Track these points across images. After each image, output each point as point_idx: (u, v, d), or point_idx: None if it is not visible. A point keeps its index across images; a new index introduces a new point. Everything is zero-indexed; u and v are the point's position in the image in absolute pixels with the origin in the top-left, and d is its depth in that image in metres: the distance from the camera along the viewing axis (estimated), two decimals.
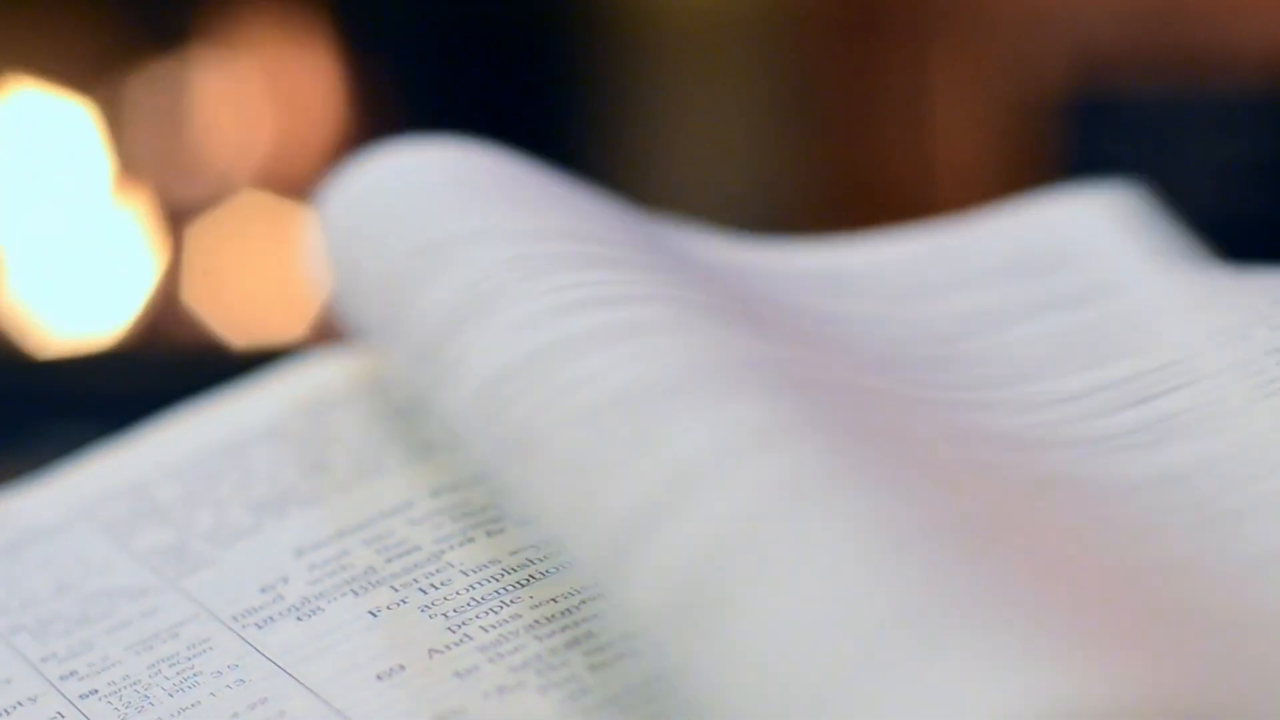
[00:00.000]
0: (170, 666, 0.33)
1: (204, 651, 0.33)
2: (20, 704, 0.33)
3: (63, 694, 0.33)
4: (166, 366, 1.52)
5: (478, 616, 0.32)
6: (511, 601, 0.32)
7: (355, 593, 0.34)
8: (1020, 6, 1.61)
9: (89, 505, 0.40)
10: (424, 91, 1.65)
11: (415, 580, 0.33)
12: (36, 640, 0.35)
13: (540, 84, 1.68)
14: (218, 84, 1.60)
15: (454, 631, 0.31)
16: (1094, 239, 0.40)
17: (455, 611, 0.32)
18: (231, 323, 1.58)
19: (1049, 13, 1.60)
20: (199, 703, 0.32)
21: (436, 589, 0.33)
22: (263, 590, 0.35)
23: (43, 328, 1.56)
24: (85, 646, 0.34)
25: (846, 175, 1.68)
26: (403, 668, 0.31)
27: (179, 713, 0.32)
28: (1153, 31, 1.58)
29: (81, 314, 1.57)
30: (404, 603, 0.33)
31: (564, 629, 0.30)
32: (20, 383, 1.54)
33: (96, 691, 0.33)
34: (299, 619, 0.33)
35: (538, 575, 0.32)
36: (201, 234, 1.58)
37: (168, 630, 0.34)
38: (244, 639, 0.33)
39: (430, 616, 0.32)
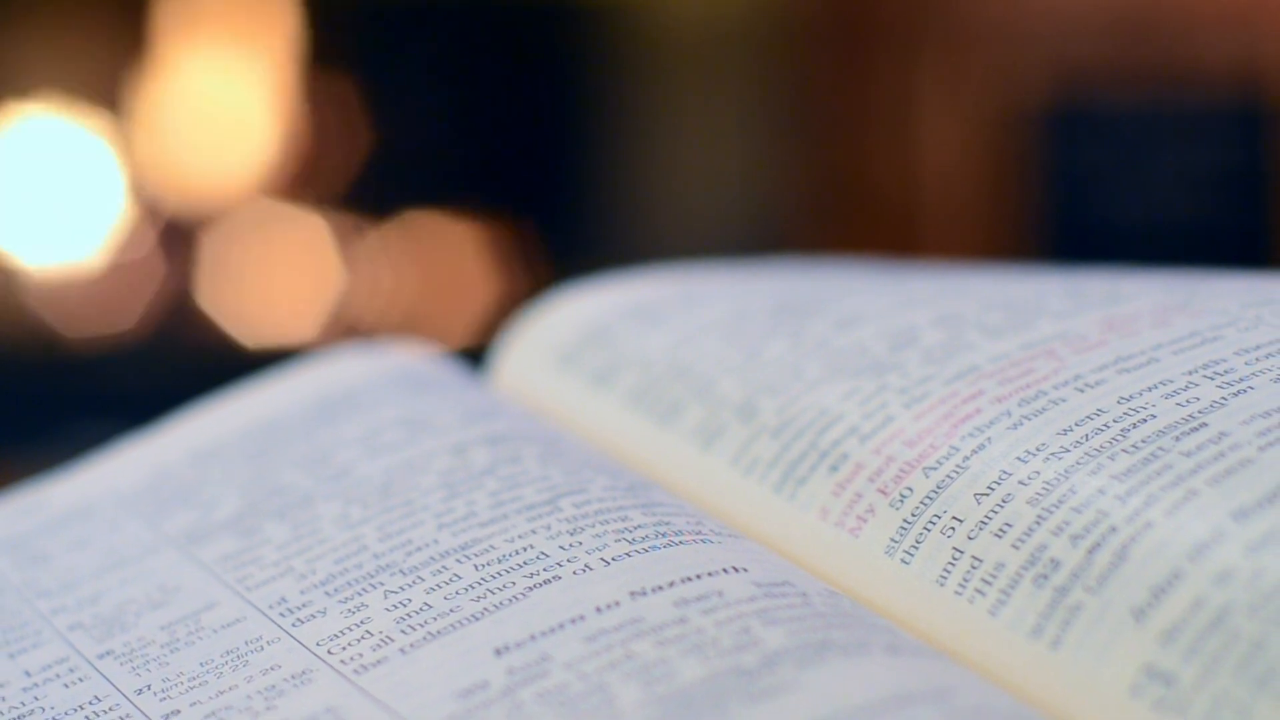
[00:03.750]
0: (186, 630, 0.34)
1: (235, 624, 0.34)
2: (50, 665, 0.34)
3: (82, 654, 0.34)
4: (183, 365, 1.53)
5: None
6: None
7: (370, 575, 0.34)
8: (1002, 22, 1.61)
9: (121, 490, 0.40)
10: (430, 101, 1.65)
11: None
12: (71, 614, 0.36)
13: (540, 94, 1.68)
14: (238, 94, 1.60)
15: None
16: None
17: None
18: (245, 323, 1.59)
19: (1030, 28, 1.60)
20: (211, 661, 0.33)
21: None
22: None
23: (63, 328, 1.56)
24: (118, 623, 0.35)
25: (835, 182, 1.68)
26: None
27: (195, 673, 0.33)
28: (1128, 47, 1.58)
29: (98, 315, 1.57)
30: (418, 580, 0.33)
31: None
32: (46, 382, 1.54)
33: (111, 652, 0.34)
34: (328, 595, 0.34)
35: None
36: (216, 239, 1.59)
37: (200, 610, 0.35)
38: (281, 628, 0.34)
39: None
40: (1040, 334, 0.37)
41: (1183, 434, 0.32)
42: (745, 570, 0.32)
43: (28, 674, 0.34)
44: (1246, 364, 0.34)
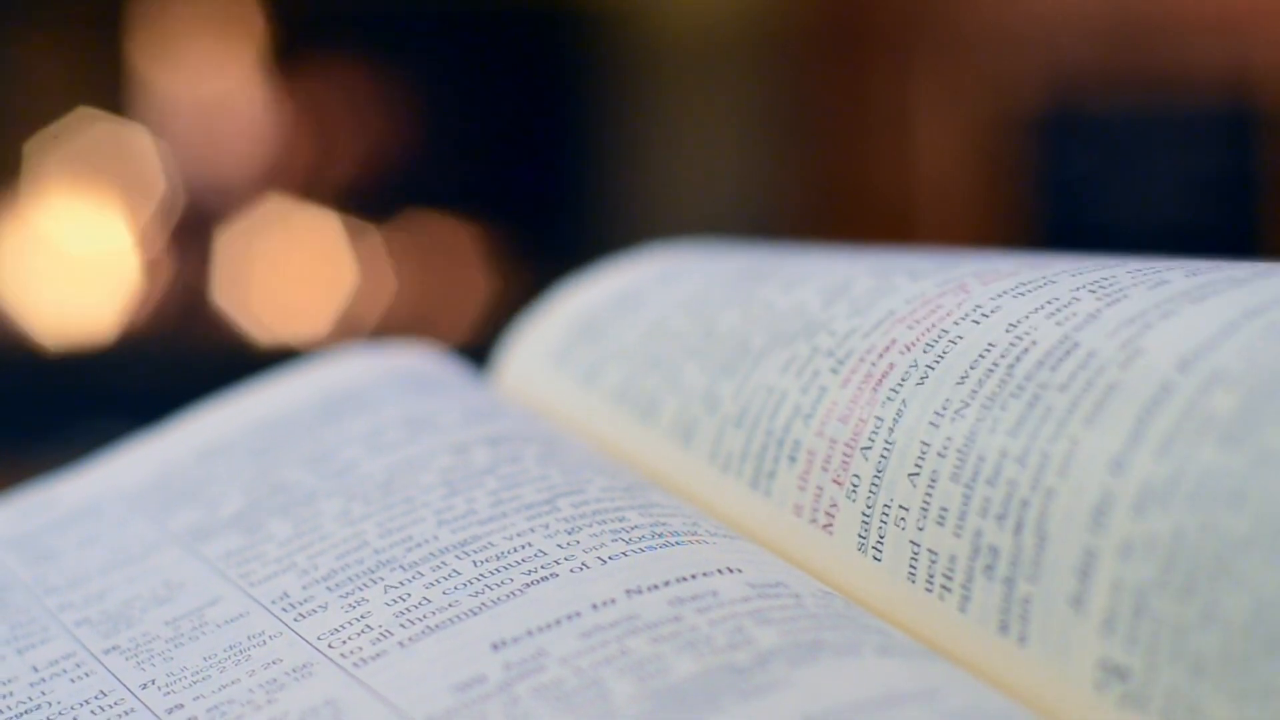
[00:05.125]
0: (190, 625, 0.34)
1: (239, 618, 0.34)
2: (57, 661, 0.34)
3: (88, 649, 0.34)
4: (192, 364, 1.53)
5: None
6: None
7: (371, 570, 0.34)
8: (997, 27, 1.61)
9: (128, 488, 0.40)
10: (436, 101, 1.65)
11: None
12: (77, 609, 0.36)
13: (542, 99, 1.68)
14: (248, 97, 1.60)
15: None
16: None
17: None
18: (258, 321, 1.59)
19: (1024, 34, 1.60)
20: (215, 655, 0.33)
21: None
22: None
23: (77, 327, 1.56)
24: (123, 618, 0.35)
25: (832, 185, 1.68)
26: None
27: (198, 667, 0.33)
28: (1121, 52, 1.58)
29: (113, 314, 1.57)
30: (417, 576, 0.33)
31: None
32: (55, 381, 1.54)
33: (117, 647, 0.34)
34: (330, 590, 0.34)
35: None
36: (230, 238, 1.59)
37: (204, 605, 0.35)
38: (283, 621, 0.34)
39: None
40: (959, 272, 0.36)
41: (1058, 360, 0.31)
42: (739, 571, 0.32)
43: (35, 669, 0.34)
44: (1132, 278, 0.33)
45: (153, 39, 1.58)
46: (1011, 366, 0.32)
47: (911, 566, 0.32)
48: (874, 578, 0.32)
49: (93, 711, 0.32)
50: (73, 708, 0.32)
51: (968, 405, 0.32)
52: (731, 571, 0.32)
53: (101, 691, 0.33)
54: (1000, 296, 0.34)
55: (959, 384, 0.32)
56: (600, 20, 1.66)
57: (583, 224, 1.67)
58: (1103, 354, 0.30)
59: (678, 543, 0.33)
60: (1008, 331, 0.33)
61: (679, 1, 1.65)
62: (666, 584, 0.32)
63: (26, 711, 0.33)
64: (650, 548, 0.33)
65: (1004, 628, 0.29)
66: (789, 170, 1.68)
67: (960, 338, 0.33)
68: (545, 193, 1.69)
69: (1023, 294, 0.34)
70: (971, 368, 0.32)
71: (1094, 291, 0.32)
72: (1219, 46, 1.54)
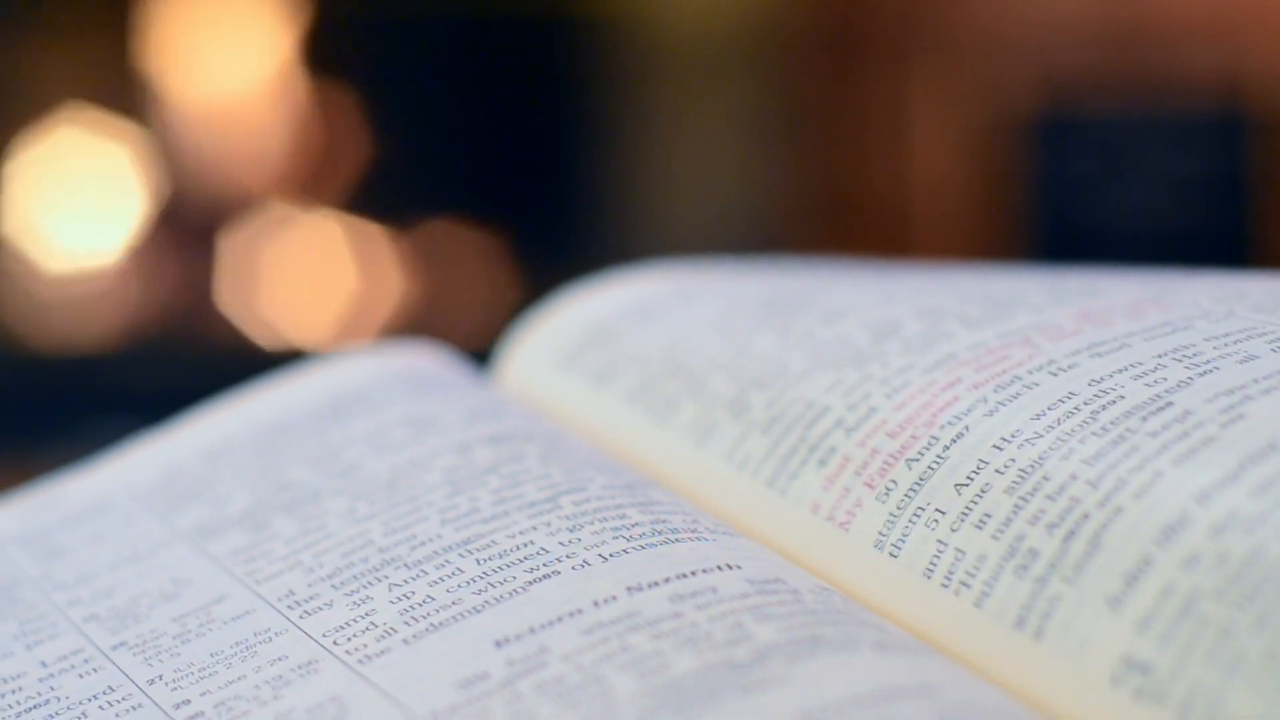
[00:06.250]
0: (197, 623, 0.34)
1: (244, 616, 0.34)
2: (66, 656, 0.34)
3: (96, 645, 0.34)
4: (197, 365, 1.53)
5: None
6: None
7: (375, 568, 0.34)
8: (991, 32, 1.61)
9: (136, 486, 0.40)
10: (435, 106, 1.65)
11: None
12: (86, 605, 0.36)
13: (543, 103, 1.68)
14: (250, 99, 1.60)
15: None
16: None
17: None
18: (266, 325, 1.59)
19: (1019, 38, 1.60)
20: (221, 652, 0.33)
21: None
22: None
23: (82, 325, 1.56)
24: (131, 613, 0.35)
25: (828, 189, 1.68)
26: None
27: (205, 664, 0.33)
28: (1114, 56, 1.58)
29: (117, 314, 1.57)
30: (422, 574, 0.33)
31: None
32: (64, 380, 1.54)
33: (125, 643, 0.34)
34: (334, 588, 0.34)
35: None
36: (237, 241, 1.59)
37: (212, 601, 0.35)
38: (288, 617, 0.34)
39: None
40: (1017, 324, 0.37)
41: (1150, 414, 0.32)
42: (739, 567, 0.32)
43: (44, 665, 0.34)
44: (1215, 348, 0.34)
45: (161, 39, 1.58)
46: (1096, 413, 0.32)
47: (931, 563, 0.32)
48: (885, 572, 0.33)
49: (100, 707, 0.32)
50: (81, 703, 0.32)
51: (1040, 437, 0.32)
52: (731, 568, 0.32)
53: (109, 687, 0.33)
54: (1075, 354, 0.35)
55: (1033, 420, 0.33)
56: (600, 27, 1.66)
57: (583, 227, 1.67)
58: (1201, 414, 0.31)
59: (678, 539, 0.33)
60: (1090, 385, 0.33)
61: (678, 8, 1.65)
62: (667, 580, 0.32)
63: (35, 706, 0.33)
64: (651, 544, 0.33)
65: (1021, 623, 0.30)
66: (787, 174, 1.68)
67: (1036, 384, 0.34)
68: (546, 197, 1.69)
69: (1099, 355, 0.34)
70: (1049, 409, 0.33)
71: (1179, 361, 0.33)
72: (1210, 51, 1.55)
